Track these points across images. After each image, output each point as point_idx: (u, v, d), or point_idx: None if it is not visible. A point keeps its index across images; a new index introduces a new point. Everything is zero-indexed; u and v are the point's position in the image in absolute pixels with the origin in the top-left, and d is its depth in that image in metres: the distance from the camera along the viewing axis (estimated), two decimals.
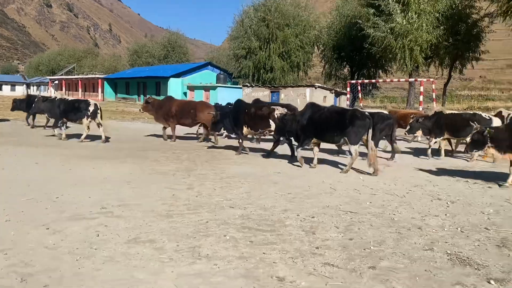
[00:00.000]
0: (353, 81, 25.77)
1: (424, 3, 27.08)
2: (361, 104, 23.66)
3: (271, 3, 37.57)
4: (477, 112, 10.97)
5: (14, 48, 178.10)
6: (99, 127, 12.06)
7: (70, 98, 13.60)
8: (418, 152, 11.23)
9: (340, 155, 10.30)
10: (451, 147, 11.20)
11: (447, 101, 34.45)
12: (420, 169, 8.64)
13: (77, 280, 3.22)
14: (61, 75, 64.40)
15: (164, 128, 13.19)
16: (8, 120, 18.15)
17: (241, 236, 4.31)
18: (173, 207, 5.35)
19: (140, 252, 3.80)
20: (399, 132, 12.05)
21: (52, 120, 13.41)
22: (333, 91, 31.57)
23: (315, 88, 29.09)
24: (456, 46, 29.78)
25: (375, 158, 8.02)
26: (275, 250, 3.94)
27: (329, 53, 38.51)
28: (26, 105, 15.83)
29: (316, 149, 8.86)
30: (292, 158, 9.50)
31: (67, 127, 12.64)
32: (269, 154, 10.11)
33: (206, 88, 35.89)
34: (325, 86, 32.37)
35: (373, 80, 31.59)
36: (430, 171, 8.43)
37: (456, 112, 11.80)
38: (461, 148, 11.21)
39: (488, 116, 10.20)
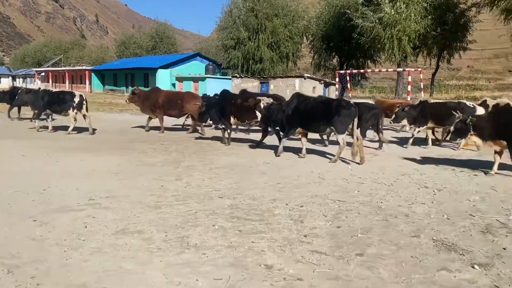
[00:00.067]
0: (342, 72, 25.83)
1: None
2: (350, 95, 23.75)
3: None
4: (461, 101, 11.07)
5: None
6: (85, 118, 11.95)
7: (54, 89, 13.45)
8: (406, 142, 11.31)
9: (326, 145, 10.34)
10: (434, 136, 11.29)
11: (435, 91, 34.64)
12: (408, 158, 8.72)
13: (65, 271, 3.21)
14: (48, 67, 63.40)
15: (149, 118, 13.12)
16: None
17: (230, 225, 4.33)
18: (162, 198, 5.34)
19: (128, 243, 3.80)
20: (389, 122, 12.11)
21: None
22: (322, 81, 31.59)
23: (305, 78, 29.09)
24: (443, 36, 29.91)
25: (361, 147, 8.10)
26: (264, 239, 3.96)
27: (318, 43, 38.42)
28: (10, 97, 15.59)
29: (304, 139, 8.90)
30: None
31: (53, 119, 12.50)
32: (258, 144, 10.13)
33: (195, 79, 35.68)
34: (314, 76, 32.38)
35: (362, 70, 31.73)
36: (417, 160, 8.51)
37: (440, 101, 11.90)
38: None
39: (472, 105, 10.32)
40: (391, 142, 10.69)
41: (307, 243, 3.87)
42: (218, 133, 11.46)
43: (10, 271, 3.18)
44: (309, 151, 9.17)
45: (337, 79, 23.67)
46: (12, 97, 15.22)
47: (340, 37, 35.49)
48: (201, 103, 11.01)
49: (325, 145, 10.33)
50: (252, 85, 29.51)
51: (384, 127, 10.95)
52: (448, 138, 7.79)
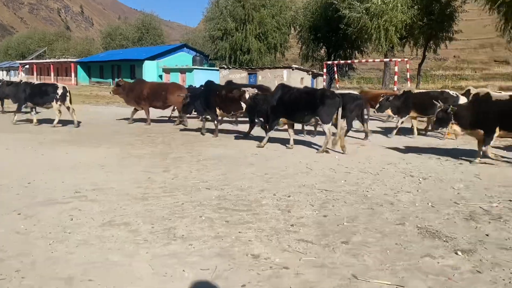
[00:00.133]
0: (329, 62, 25.82)
1: None
2: (337, 85, 23.80)
3: None
4: (445, 90, 11.18)
5: None
6: (69, 111, 11.80)
7: (36, 82, 13.25)
8: (391, 132, 11.40)
9: (312, 135, 10.38)
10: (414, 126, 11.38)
11: (422, 81, 34.93)
12: (394, 148, 8.80)
13: (50, 264, 3.19)
14: (32, 59, 62.30)
15: (135, 110, 13.02)
16: None
17: (217, 216, 4.33)
18: (149, 190, 5.32)
19: (115, 235, 3.78)
20: (373, 111, 12.18)
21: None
22: (310, 72, 31.64)
23: (292, 69, 29.10)
24: (430, 26, 30.08)
25: (343, 137, 8.18)
26: (251, 229, 3.97)
27: (305, 34, 38.38)
28: None
29: (291, 130, 8.92)
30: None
31: (37, 112, 12.32)
32: (245, 136, 10.12)
33: (182, 71, 35.38)
34: (302, 67, 32.38)
35: (349, 61, 31.79)
36: (403, 150, 8.60)
37: (424, 91, 12.00)
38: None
39: (455, 94, 10.43)
40: (374, 132, 10.78)
41: (293, 232, 3.90)
42: (207, 125, 11.40)
43: None
44: (297, 142, 9.19)
45: (324, 70, 23.68)
46: None
47: (328, 27, 35.50)
48: (186, 95, 10.94)
49: (306, 135, 10.35)
50: (240, 76, 29.40)
51: (370, 117, 11.02)
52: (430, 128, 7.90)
